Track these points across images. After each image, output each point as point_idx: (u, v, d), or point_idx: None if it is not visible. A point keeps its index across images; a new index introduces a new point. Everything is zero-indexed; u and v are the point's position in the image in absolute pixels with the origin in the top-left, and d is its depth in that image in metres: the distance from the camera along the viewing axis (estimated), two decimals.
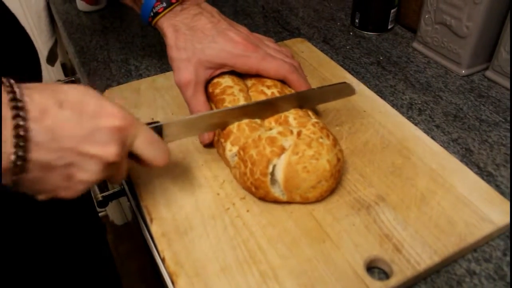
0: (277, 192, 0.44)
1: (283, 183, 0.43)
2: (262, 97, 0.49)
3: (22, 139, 0.30)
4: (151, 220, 0.44)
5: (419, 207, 0.44)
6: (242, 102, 0.48)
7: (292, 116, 0.47)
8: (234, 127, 0.46)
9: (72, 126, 0.33)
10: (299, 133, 0.45)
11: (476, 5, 0.60)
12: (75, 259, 0.58)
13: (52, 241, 0.53)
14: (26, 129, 0.31)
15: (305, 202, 0.44)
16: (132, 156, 0.39)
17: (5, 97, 0.31)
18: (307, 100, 0.49)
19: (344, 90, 0.52)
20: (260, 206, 0.45)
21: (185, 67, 0.50)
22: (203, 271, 0.39)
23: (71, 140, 0.33)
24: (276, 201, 0.45)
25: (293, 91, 0.51)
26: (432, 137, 0.53)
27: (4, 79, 0.32)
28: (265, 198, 0.44)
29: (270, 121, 0.47)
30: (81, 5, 0.85)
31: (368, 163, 0.49)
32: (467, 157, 0.52)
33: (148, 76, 0.66)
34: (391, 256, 0.40)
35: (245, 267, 0.40)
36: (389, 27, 0.76)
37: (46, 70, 1.07)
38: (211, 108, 0.51)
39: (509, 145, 0.53)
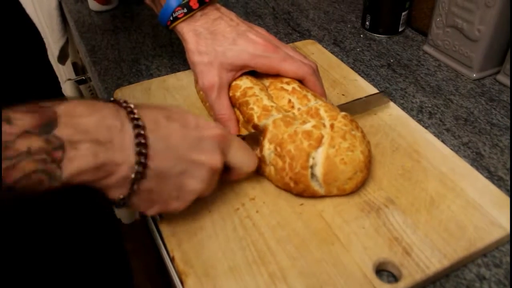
0: (316, 186, 0.44)
1: (323, 176, 0.44)
2: (283, 94, 0.50)
3: (143, 147, 0.34)
4: (161, 219, 0.44)
5: (429, 211, 0.44)
6: (265, 101, 0.48)
7: (322, 108, 0.47)
8: (269, 124, 0.46)
9: (181, 136, 0.37)
10: (332, 126, 0.45)
11: (488, 8, 0.59)
12: (91, 251, 0.58)
13: (68, 234, 0.53)
14: (145, 137, 0.34)
15: (342, 194, 0.45)
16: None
17: (124, 111, 0.35)
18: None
19: (379, 100, 0.54)
20: (269, 207, 0.45)
21: (209, 71, 0.51)
22: (212, 271, 0.40)
23: (181, 149, 0.37)
24: (314, 196, 0.45)
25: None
26: (443, 141, 0.53)
27: (116, 99, 0.36)
28: (303, 194, 0.45)
29: (302, 113, 0.47)
30: (92, 4, 0.86)
31: (378, 165, 0.49)
32: (477, 161, 0.52)
33: (159, 76, 0.66)
34: (400, 259, 0.40)
35: (254, 268, 0.40)
36: (400, 29, 0.76)
37: (57, 68, 1.07)
38: (235, 112, 0.52)
39: None
